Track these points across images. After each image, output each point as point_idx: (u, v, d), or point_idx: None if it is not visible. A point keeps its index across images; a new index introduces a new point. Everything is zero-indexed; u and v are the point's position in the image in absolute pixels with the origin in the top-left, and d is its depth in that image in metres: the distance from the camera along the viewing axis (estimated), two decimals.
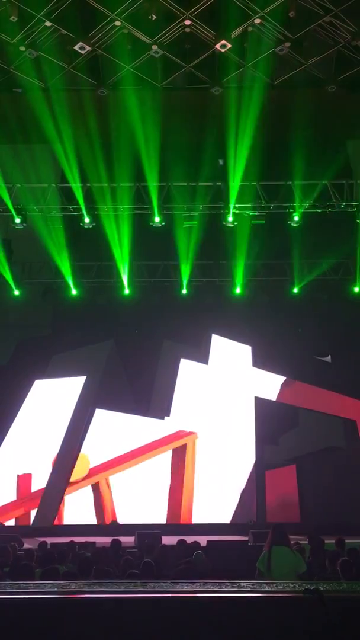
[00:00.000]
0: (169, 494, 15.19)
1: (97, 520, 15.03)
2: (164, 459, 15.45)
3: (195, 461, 15.43)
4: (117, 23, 11.41)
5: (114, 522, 14.53)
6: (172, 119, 12.89)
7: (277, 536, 6.05)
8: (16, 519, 14.90)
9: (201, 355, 16.01)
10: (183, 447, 15.43)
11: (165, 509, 15.07)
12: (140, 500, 14.92)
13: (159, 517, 14.82)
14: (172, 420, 15.54)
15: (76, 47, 11.79)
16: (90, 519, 15.02)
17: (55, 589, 2.78)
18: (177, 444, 15.45)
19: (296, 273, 15.10)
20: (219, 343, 16.14)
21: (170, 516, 15.04)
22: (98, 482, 15.17)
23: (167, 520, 14.89)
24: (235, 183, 13.25)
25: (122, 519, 14.87)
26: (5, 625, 2.32)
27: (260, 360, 16.02)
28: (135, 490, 15.01)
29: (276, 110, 12.81)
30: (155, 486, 15.09)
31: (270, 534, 6.13)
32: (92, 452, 15.33)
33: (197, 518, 15.07)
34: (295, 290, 15.22)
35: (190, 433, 15.54)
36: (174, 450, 15.46)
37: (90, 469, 15.26)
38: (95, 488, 15.19)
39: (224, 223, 13.76)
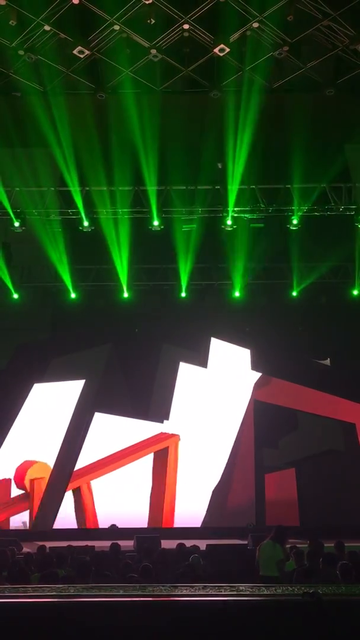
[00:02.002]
0: (151, 498, 15.09)
1: (78, 525, 14.95)
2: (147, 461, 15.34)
3: (178, 464, 15.30)
4: (116, 27, 11.43)
5: (113, 525, 14.50)
6: (170, 123, 12.91)
7: (274, 533, 7.44)
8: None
9: (200, 358, 16.00)
10: (165, 451, 15.33)
11: (147, 513, 14.99)
12: (121, 504, 14.81)
13: (140, 521, 14.75)
14: (171, 423, 15.53)
15: (75, 51, 11.81)
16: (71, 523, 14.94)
17: (54, 593, 2.78)
18: (159, 446, 15.37)
19: (295, 276, 15.11)
20: (218, 346, 16.14)
21: (151, 521, 14.96)
22: (79, 486, 15.08)
23: (148, 524, 14.85)
24: (234, 186, 13.27)
25: (102, 524, 14.78)
26: (4, 628, 2.31)
27: (260, 364, 16.01)
28: (117, 494, 14.90)
29: (274, 114, 12.84)
30: (137, 490, 14.97)
31: (273, 532, 7.49)
32: (93, 454, 15.31)
33: (195, 521, 15.04)
34: (294, 293, 15.23)
35: (173, 435, 15.46)
36: (156, 454, 15.34)
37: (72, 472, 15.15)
38: (76, 492, 15.09)
39: (223, 226, 13.77)
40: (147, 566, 6.74)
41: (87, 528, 14.80)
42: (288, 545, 7.74)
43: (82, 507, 15.03)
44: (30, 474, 14.94)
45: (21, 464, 15.04)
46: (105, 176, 13.54)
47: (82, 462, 15.25)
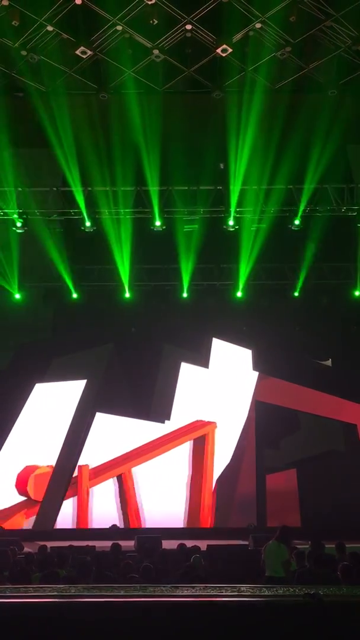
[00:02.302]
0: (190, 487, 15.11)
1: (121, 514, 14.97)
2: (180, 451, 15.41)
3: (215, 453, 15.32)
4: (119, 27, 11.43)
5: (114, 525, 14.51)
6: (173, 123, 12.91)
7: (279, 534, 7.52)
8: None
9: (202, 359, 16.00)
10: (202, 438, 15.34)
11: (185, 504, 15.06)
12: (160, 496, 14.92)
13: (178, 515, 14.85)
14: (172, 424, 15.52)
15: (77, 52, 11.82)
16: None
17: (55, 593, 2.78)
18: (197, 434, 15.38)
19: (297, 277, 15.10)
20: (219, 347, 16.13)
21: (191, 516, 14.98)
22: (122, 473, 15.11)
23: (186, 523, 14.88)
24: (236, 187, 13.26)
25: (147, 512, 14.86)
26: (5, 628, 2.32)
27: (261, 364, 16.01)
28: (155, 487, 15.00)
29: (277, 115, 12.83)
30: (174, 482, 15.06)
31: (277, 532, 7.59)
32: (93, 455, 15.31)
33: (195, 522, 15.06)
34: (296, 294, 15.22)
35: (210, 422, 15.49)
36: (194, 441, 15.39)
37: (111, 460, 15.18)
38: (119, 480, 15.12)
39: (225, 227, 13.76)
40: (148, 566, 6.74)
41: (128, 516, 14.89)
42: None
43: (125, 494, 15.04)
44: (34, 479, 14.97)
45: (23, 470, 15.05)
46: (107, 176, 13.53)
47: (82, 462, 15.25)
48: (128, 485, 15.08)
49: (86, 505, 14.90)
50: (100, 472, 15.12)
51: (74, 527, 14.78)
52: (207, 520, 15.03)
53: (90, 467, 15.12)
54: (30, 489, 14.89)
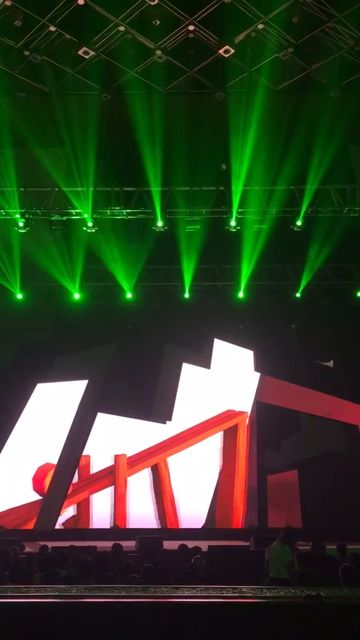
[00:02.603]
0: (219, 479, 15.15)
1: (156, 504, 15.00)
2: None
3: (249, 444, 15.36)
4: (121, 28, 11.43)
5: (115, 526, 14.51)
6: (175, 124, 12.90)
7: (283, 535, 7.60)
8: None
9: (203, 359, 16.00)
10: (234, 428, 15.36)
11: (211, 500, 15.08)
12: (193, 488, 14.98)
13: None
14: (173, 424, 15.52)
15: (80, 52, 11.82)
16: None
17: (56, 593, 2.78)
18: (228, 424, 15.40)
19: (298, 278, 15.09)
20: (221, 347, 16.13)
21: (220, 513, 15.00)
22: (157, 463, 15.17)
23: (216, 522, 14.92)
24: (238, 187, 13.25)
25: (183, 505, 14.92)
26: (6, 628, 2.32)
27: (262, 365, 16.00)
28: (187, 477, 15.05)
29: (279, 115, 12.82)
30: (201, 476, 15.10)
31: (281, 534, 7.69)
32: (94, 456, 15.31)
33: (198, 523, 15.04)
34: (298, 294, 15.21)
35: (241, 412, 15.51)
36: (225, 432, 15.43)
37: (144, 450, 15.26)
38: (154, 469, 15.18)
39: (227, 227, 13.75)
40: (149, 567, 6.74)
41: (164, 505, 14.96)
42: None
43: (160, 484, 15.06)
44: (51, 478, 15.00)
45: (39, 468, 15.07)
46: (109, 177, 13.53)
47: (82, 462, 15.26)
48: (164, 476, 15.09)
49: (124, 495, 14.92)
50: (135, 463, 15.14)
51: (111, 518, 14.79)
52: (238, 518, 14.98)
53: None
54: (47, 486, 14.96)
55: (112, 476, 14.98)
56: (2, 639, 2.30)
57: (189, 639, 2.33)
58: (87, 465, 15.32)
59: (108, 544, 9.73)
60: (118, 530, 14.09)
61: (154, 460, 15.13)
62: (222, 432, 15.46)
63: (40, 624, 2.37)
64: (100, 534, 13.94)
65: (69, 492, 14.94)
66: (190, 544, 9.73)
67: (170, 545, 10.39)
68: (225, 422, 15.42)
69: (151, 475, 15.18)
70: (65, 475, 15.08)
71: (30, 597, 2.75)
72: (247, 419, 15.52)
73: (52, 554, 9.04)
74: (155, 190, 13.40)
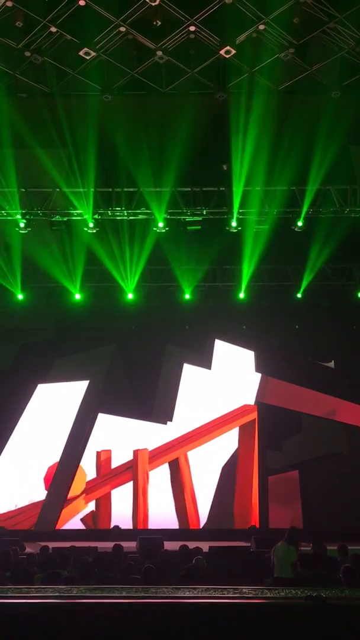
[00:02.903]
0: (237, 475, 15.16)
1: (175, 499, 14.99)
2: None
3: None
4: (122, 29, 11.44)
5: (116, 527, 14.50)
6: (176, 124, 12.90)
7: (287, 536, 7.67)
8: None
9: (204, 360, 16.00)
10: (252, 423, 15.42)
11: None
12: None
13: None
14: (174, 425, 15.52)
15: (81, 53, 11.82)
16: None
17: (57, 594, 2.78)
18: (245, 419, 15.43)
19: (299, 278, 15.09)
20: (222, 348, 16.13)
21: (239, 513, 15.00)
22: (177, 457, 15.18)
23: (235, 523, 14.90)
24: (239, 188, 13.25)
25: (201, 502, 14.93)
26: (7, 629, 2.32)
27: (263, 366, 16.00)
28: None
29: (280, 116, 12.82)
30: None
31: (286, 534, 7.76)
32: (93, 456, 15.31)
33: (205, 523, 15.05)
34: (299, 295, 15.21)
35: (255, 407, 15.53)
36: (241, 427, 15.46)
37: (162, 445, 15.24)
38: (174, 464, 15.18)
39: (228, 228, 13.75)
40: (150, 568, 6.73)
41: (184, 500, 14.97)
42: None
43: (180, 479, 15.08)
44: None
45: (51, 466, 15.13)
46: (110, 177, 13.54)
47: (84, 462, 15.26)
48: (184, 470, 15.07)
49: (146, 489, 14.94)
50: (155, 458, 15.17)
51: (132, 511, 14.80)
52: (256, 516, 14.97)
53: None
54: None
55: (131, 471, 15.00)
56: (2, 639, 2.30)
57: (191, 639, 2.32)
58: (109, 459, 15.32)
59: (109, 545, 9.72)
60: (119, 531, 14.09)
61: (174, 455, 15.15)
62: (238, 427, 15.47)
63: (41, 624, 2.37)
64: (101, 534, 13.94)
65: (88, 487, 14.95)
66: (191, 545, 9.72)
67: (170, 545, 10.38)
68: (242, 418, 15.45)
69: (170, 471, 15.19)
70: (66, 476, 15.08)
71: (30, 597, 2.75)
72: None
73: (52, 555, 9.04)
74: (156, 190, 13.40)
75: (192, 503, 14.98)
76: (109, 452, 15.27)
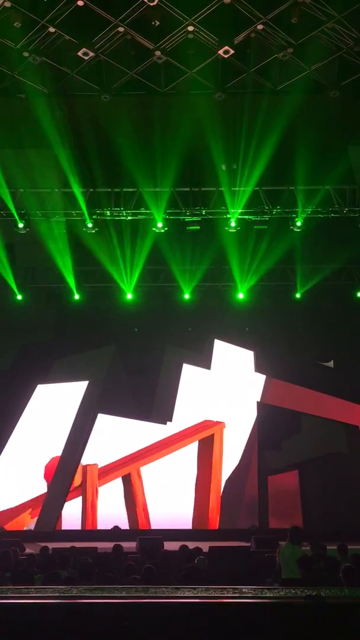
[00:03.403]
0: (196, 488, 15.13)
1: (128, 513, 14.99)
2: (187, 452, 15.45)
3: (223, 453, 15.34)
4: (121, 29, 11.44)
5: (116, 527, 14.49)
6: (174, 124, 12.90)
7: (290, 535, 7.59)
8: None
9: (204, 360, 16.00)
10: (210, 438, 15.36)
11: (191, 508, 15.12)
12: (166, 497, 14.96)
13: (184, 516, 14.87)
14: (174, 425, 15.51)
15: (80, 53, 11.82)
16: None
17: (57, 594, 2.78)
18: (204, 434, 15.39)
19: (299, 278, 15.10)
20: (221, 348, 16.13)
21: (197, 517, 14.98)
22: (130, 473, 15.16)
23: (193, 524, 14.90)
24: (238, 188, 13.26)
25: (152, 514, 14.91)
26: (7, 629, 2.32)
27: (263, 366, 16.00)
28: (161, 488, 15.03)
29: (279, 116, 12.82)
30: (179, 483, 15.08)
31: (288, 534, 7.69)
32: (94, 456, 15.30)
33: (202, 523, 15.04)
34: (298, 295, 15.22)
35: (218, 422, 15.49)
36: (201, 442, 15.42)
37: (118, 460, 15.21)
38: (126, 479, 15.17)
39: (227, 228, 13.75)
40: (150, 568, 6.73)
41: (136, 516, 14.97)
42: None
43: (132, 494, 15.10)
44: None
45: (50, 460, 15.16)
46: (109, 177, 13.53)
47: (84, 463, 15.26)
48: (136, 485, 15.08)
49: (95, 505, 14.91)
50: (107, 472, 15.13)
51: (81, 527, 14.78)
52: (214, 521, 15.02)
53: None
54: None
55: (81, 487, 15.04)
56: None
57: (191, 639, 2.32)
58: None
59: (109, 545, 9.72)
60: (119, 532, 14.09)
61: (126, 470, 15.16)
62: (198, 442, 15.45)
63: (41, 624, 2.37)
64: (101, 535, 13.94)
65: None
66: (191, 545, 9.73)
67: (171, 546, 10.38)
68: (201, 432, 15.42)
69: (122, 485, 15.23)
70: (66, 477, 15.07)
71: (30, 597, 2.75)
72: (224, 429, 15.52)
73: (52, 555, 9.05)
74: (155, 191, 13.40)
75: (143, 518, 15.06)
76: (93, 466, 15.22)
